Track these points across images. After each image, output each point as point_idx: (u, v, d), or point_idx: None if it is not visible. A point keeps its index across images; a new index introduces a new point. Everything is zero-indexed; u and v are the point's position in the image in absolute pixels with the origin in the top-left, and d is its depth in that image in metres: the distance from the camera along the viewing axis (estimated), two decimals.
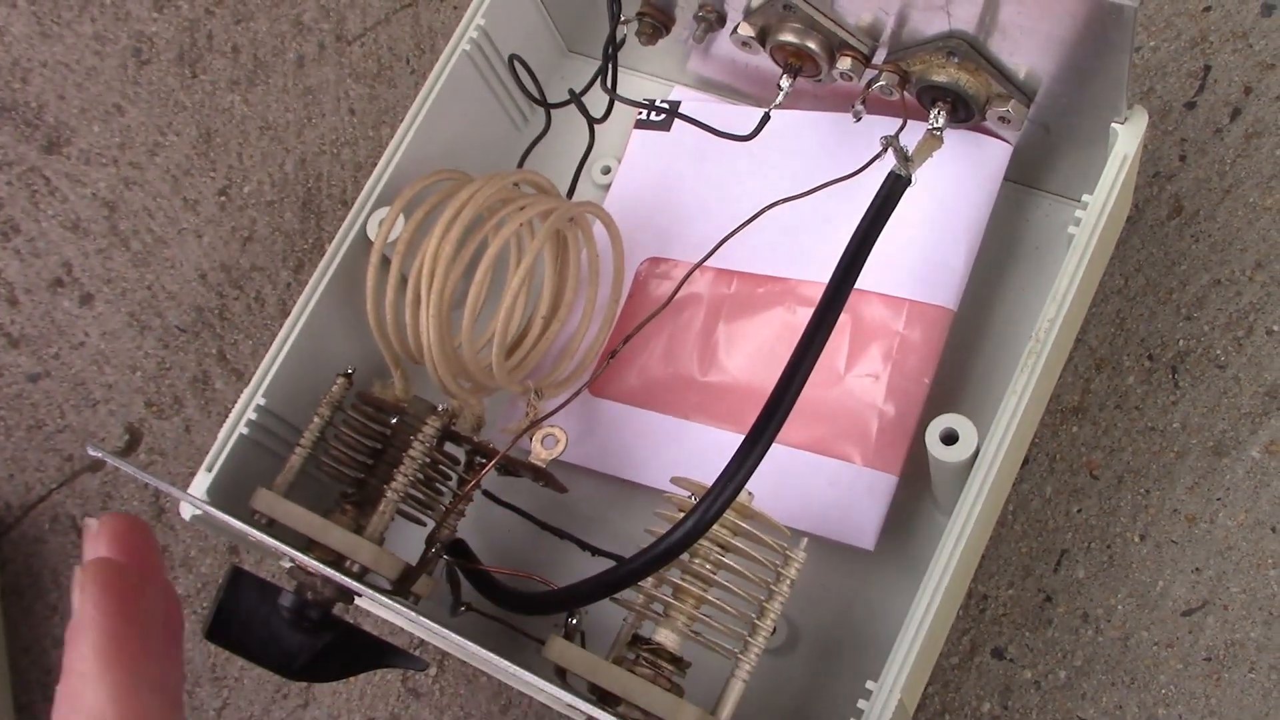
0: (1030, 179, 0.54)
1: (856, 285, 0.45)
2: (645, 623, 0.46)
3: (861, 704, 0.43)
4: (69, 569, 0.63)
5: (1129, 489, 0.53)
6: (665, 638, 0.45)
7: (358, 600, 0.50)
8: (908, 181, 0.46)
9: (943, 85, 0.48)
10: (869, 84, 0.50)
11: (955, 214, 0.51)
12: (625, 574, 0.43)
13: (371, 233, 0.53)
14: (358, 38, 0.70)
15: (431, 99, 0.55)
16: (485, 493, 0.53)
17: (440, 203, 0.51)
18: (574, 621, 0.45)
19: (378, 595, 0.43)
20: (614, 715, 0.42)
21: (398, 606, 0.44)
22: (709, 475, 0.43)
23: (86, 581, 0.37)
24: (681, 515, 0.43)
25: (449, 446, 0.50)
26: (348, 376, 0.50)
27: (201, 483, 0.51)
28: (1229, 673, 0.50)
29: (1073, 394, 0.55)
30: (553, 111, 0.58)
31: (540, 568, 0.51)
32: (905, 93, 0.50)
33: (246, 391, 0.52)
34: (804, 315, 0.52)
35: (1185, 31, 0.59)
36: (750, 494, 0.45)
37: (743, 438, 0.42)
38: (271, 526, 0.47)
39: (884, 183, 0.46)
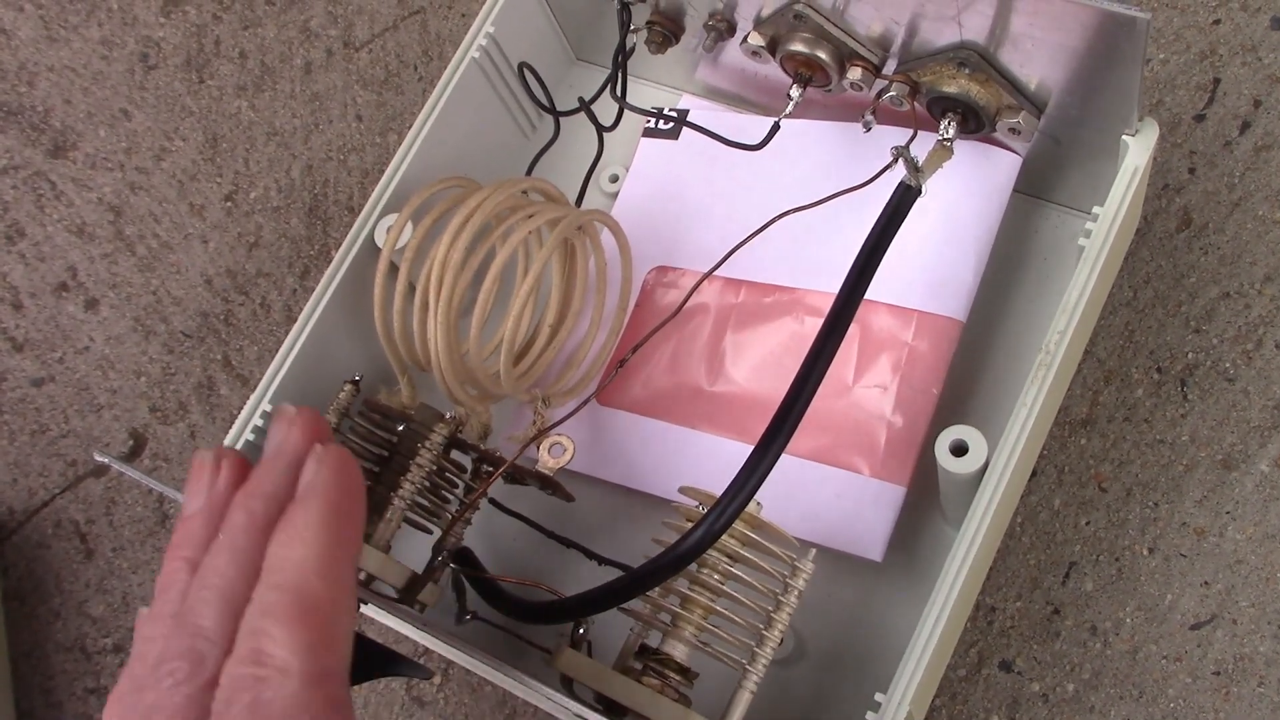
0: (1040, 190, 0.54)
1: (865, 295, 0.45)
2: (653, 633, 0.45)
3: (870, 716, 0.43)
4: (71, 574, 0.63)
5: (1138, 502, 0.53)
6: (673, 648, 0.44)
7: (363, 608, 0.50)
8: (918, 192, 0.46)
9: (953, 96, 0.48)
10: (879, 94, 0.50)
11: (965, 225, 0.51)
12: (633, 583, 0.43)
13: (379, 239, 0.53)
14: (365, 44, 0.70)
15: (440, 105, 0.55)
16: (492, 501, 0.53)
17: (449, 210, 0.51)
18: (581, 631, 0.45)
19: (383, 603, 0.43)
20: None
21: (403, 614, 0.44)
22: (715, 485, 0.43)
23: (326, 457, 0.38)
24: (689, 525, 0.42)
25: (456, 454, 0.50)
26: (354, 384, 0.50)
27: None
28: (1238, 687, 0.50)
29: (1081, 406, 0.55)
30: (561, 119, 0.58)
31: (547, 576, 0.51)
32: (915, 103, 0.50)
33: (253, 397, 0.51)
34: (812, 325, 0.52)
35: (1194, 44, 0.59)
36: (759, 504, 0.45)
37: (749, 448, 0.42)
38: None
39: (894, 193, 0.46)
